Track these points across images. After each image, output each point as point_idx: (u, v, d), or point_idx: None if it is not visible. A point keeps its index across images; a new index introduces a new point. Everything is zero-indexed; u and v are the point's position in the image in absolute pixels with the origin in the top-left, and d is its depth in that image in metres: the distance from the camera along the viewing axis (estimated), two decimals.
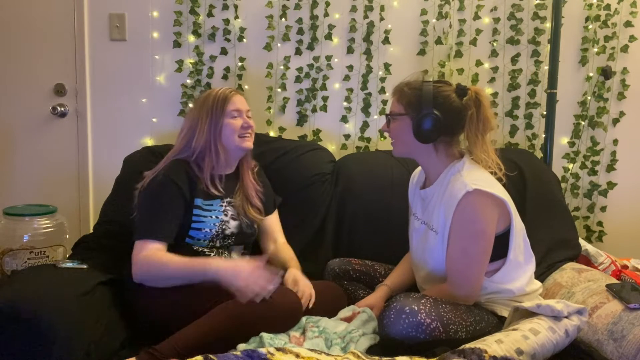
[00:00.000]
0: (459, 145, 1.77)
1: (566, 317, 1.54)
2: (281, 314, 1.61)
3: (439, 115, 1.66)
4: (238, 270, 1.61)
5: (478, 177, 1.65)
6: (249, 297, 1.56)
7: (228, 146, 1.89)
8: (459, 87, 1.72)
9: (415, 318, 1.51)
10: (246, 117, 1.91)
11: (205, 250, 1.85)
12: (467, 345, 1.42)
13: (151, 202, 1.80)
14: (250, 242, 1.99)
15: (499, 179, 1.71)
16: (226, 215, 1.89)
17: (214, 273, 1.63)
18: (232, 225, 1.89)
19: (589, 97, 2.57)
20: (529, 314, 1.57)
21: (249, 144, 1.91)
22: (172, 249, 1.77)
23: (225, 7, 2.54)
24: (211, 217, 1.85)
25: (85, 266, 1.83)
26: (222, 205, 1.89)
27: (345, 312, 1.78)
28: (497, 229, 1.65)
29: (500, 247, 1.67)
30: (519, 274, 1.72)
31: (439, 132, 1.68)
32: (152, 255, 1.71)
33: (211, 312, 1.58)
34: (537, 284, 1.81)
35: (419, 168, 1.90)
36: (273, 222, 2.05)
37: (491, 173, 1.71)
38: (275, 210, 2.08)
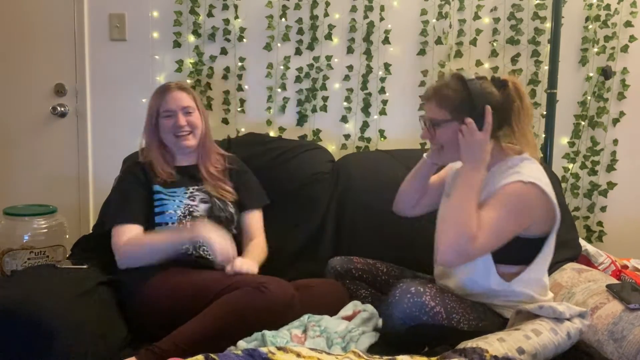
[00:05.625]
0: (505, 140, 1.71)
1: (568, 319, 1.54)
2: (277, 302, 1.59)
3: (492, 112, 1.59)
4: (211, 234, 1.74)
5: (536, 176, 1.61)
6: (226, 256, 1.71)
7: (169, 144, 1.94)
8: (495, 80, 1.67)
9: (420, 298, 1.53)
10: (181, 115, 1.91)
11: None
12: (469, 344, 1.43)
13: (114, 193, 1.94)
14: (228, 228, 1.92)
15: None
16: (193, 200, 1.89)
17: (190, 237, 1.75)
18: (202, 208, 1.89)
19: (589, 97, 2.57)
20: (531, 316, 1.57)
21: (187, 142, 1.92)
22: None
23: (225, 7, 2.54)
24: (174, 200, 1.87)
25: (85, 266, 1.84)
26: (186, 193, 1.90)
27: (346, 310, 1.78)
28: (532, 231, 1.62)
29: (528, 251, 1.64)
30: (539, 280, 1.70)
31: (494, 129, 1.63)
32: (131, 239, 1.79)
33: (210, 307, 1.58)
34: (550, 294, 1.79)
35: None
36: (254, 220, 2.02)
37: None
38: (259, 210, 2.05)
